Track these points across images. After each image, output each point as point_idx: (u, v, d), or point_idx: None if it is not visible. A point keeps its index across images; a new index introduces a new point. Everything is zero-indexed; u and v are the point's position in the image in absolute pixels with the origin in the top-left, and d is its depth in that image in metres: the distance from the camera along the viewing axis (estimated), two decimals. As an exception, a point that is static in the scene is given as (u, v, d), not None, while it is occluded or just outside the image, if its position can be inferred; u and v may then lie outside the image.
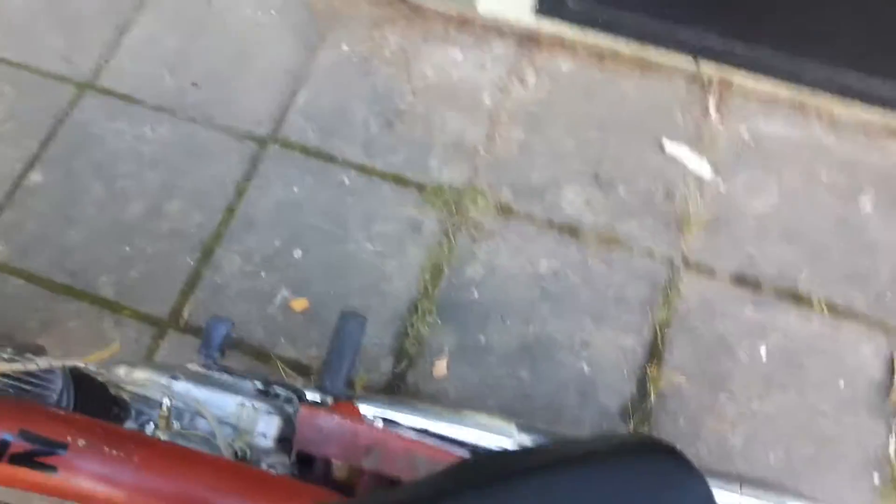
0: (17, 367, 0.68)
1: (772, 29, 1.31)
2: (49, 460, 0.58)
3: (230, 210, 1.41)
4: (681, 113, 1.46)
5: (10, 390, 0.67)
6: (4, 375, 0.67)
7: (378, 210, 1.40)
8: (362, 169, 1.44)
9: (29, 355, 0.73)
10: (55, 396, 0.68)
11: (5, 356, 0.69)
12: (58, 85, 1.54)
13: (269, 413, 0.79)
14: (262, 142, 1.47)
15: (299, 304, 1.33)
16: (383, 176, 1.43)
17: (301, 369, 1.28)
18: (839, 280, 1.30)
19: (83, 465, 0.59)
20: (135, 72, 1.55)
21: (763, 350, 1.25)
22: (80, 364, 0.73)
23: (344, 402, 0.89)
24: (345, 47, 1.56)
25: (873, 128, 1.43)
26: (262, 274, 1.36)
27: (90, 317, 1.34)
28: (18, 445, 0.57)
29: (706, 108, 1.46)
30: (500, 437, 0.85)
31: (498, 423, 0.87)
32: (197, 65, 1.55)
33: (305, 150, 1.47)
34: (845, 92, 1.38)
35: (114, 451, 0.60)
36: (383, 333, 1.29)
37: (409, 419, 0.87)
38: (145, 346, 1.31)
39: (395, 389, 1.27)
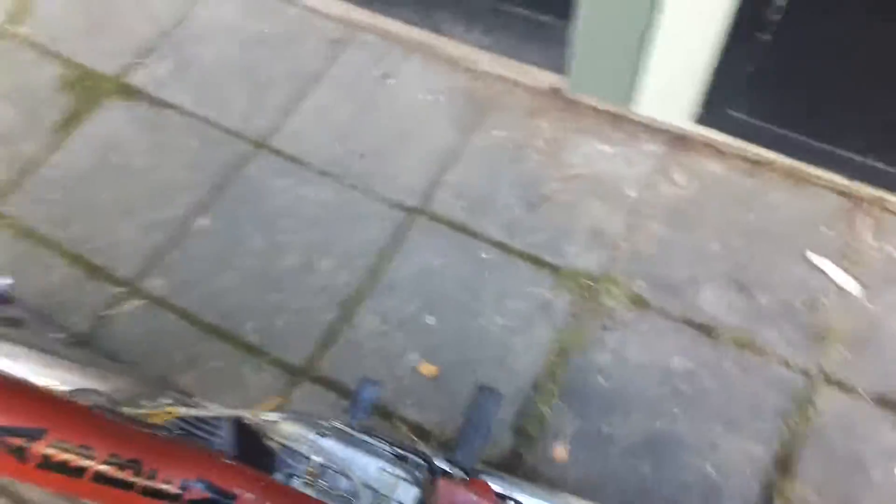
0: (194, 412, 0.78)
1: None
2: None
3: (374, 273, 1.66)
4: (829, 228, 1.59)
5: (181, 433, 0.77)
6: (179, 419, 0.79)
7: (512, 287, 1.60)
8: (502, 246, 1.65)
9: (198, 400, 0.86)
10: (224, 445, 0.78)
11: (170, 401, 0.81)
12: (235, 141, 1.89)
13: (407, 482, 0.89)
14: (411, 213, 1.73)
15: (428, 369, 1.53)
16: (521, 255, 1.64)
17: (422, 434, 1.46)
18: None
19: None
20: (306, 137, 1.87)
21: (904, 478, 1.31)
22: (248, 415, 0.82)
23: (476, 478, 1.03)
24: (498, 133, 1.81)
25: None
26: (397, 335, 1.58)
27: (232, 359, 1.58)
28: (196, 492, 0.62)
29: (856, 225, 1.58)
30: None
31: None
32: (363, 136, 1.85)
33: (451, 224, 1.70)
34: None
35: None
36: (505, 409, 1.46)
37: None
38: (277, 392, 1.55)
39: (512, 467, 1.42)
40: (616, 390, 1.46)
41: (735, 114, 1.59)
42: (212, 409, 0.81)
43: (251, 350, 1.58)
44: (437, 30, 1.93)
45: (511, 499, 1.01)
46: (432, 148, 1.82)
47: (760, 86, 1.50)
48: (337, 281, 1.65)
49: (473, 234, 1.68)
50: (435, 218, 1.72)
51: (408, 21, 1.97)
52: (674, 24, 1.48)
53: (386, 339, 1.57)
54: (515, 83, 1.89)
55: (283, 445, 0.88)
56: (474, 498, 0.86)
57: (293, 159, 1.84)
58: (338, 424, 0.95)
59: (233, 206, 1.78)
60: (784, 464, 1.35)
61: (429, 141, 1.83)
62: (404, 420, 1.47)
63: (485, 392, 1.07)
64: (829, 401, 1.40)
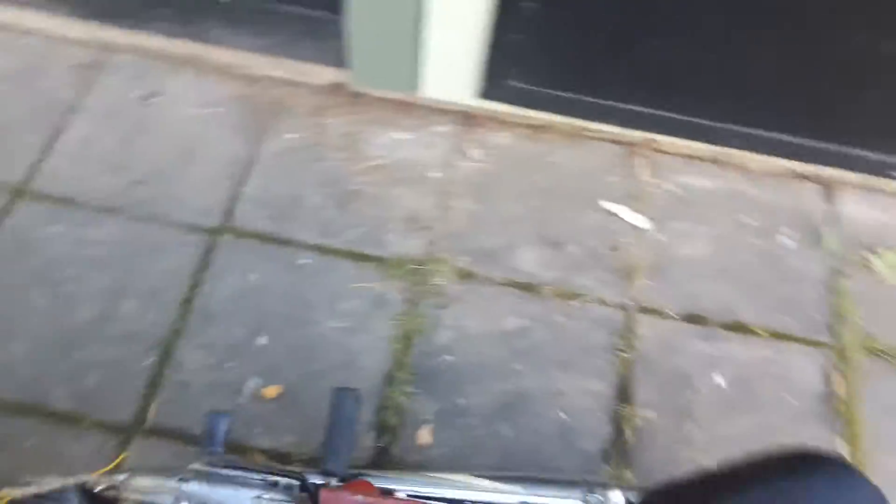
0: (31, 490, 0.77)
1: (690, 98, 1.69)
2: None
3: (186, 304, 1.58)
4: (613, 175, 1.80)
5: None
6: (20, 501, 0.75)
7: (340, 288, 1.62)
8: (319, 249, 1.66)
9: (31, 479, 0.81)
10: None
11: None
12: (-14, 194, 1.69)
13: (287, 503, 0.89)
14: (213, 233, 1.67)
15: (271, 391, 1.50)
16: (341, 254, 1.66)
17: (281, 458, 1.43)
18: (773, 308, 1.63)
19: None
20: (72, 174, 1.72)
21: (719, 378, 1.54)
22: (90, 479, 0.81)
23: (354, 481, 1.06)
24: (290, 136, 1.81)
25: (782, 173, 1.83)
26: (228, 365, 1.52)
27: (46, 433, 1.42)
28: None
29: (635, 168, 1.81)
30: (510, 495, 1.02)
31: (501, 485, 1.05)
32: (138, 163, 1.74)
33: (259, 237, 1.67)
34: (755, 145, 1.77)
35: None
36: (363, 408, 1.48)
37: (420, 491, 1.05)
38: (108, 457, 1.42)
39: (381, 464, 1.45)
40: (463, 363, 1.54)
41: (514, 83, 1.74)
42: (48, 484, 0.77)
43: (66, 418, 1.43)
44: (202, 39, 1.88)
45: (395, 491, 1.04)
46: (221, 162, 1.77)
47: (532, 53, 1.66)
48: (145, 322, 1.55)
49: (286, 243, 1.67)
50: (240, 234, 1.67)
51: (168, 34, 1.88)
52: (444, 4, 1.58)
53: (218, 370, 1.51)
54: (297, 83, 1.89)
55: (145, 502, 0.85)
56: (359, 498, 0.88)
57: (63, 201, 1.68)
58: (197, 466, 0.92)
59: (0, 266, 1.60)
60: (623, 393, 1.52)
61: (215, 156, 1.78)
62: (259, 450, 1.43)
63: (341, 393, 1.10)
64: (646, 327, 1.60)
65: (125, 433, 1.43)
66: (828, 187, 1.82)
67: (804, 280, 1.68)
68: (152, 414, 1.45)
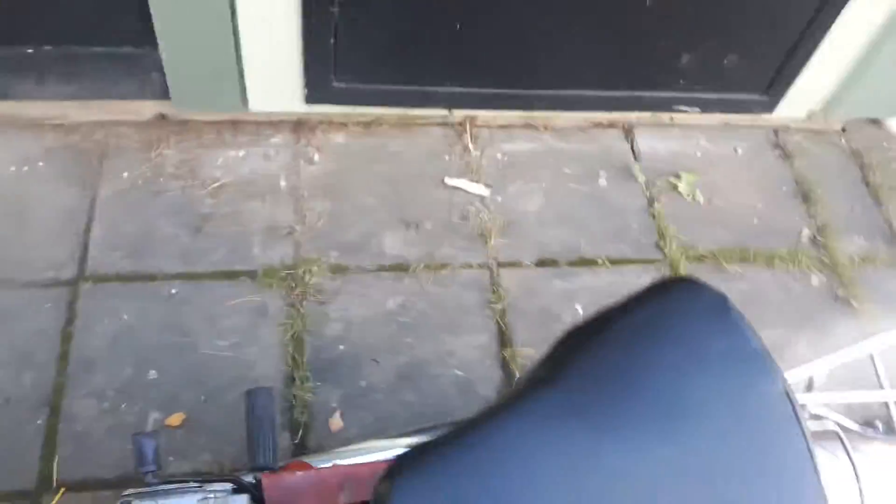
0: None
1: (496, 73, 1.95)
2: None
3: (63, 359, 1.58)
4: (448, 154, 2.02)
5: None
6: None
7: (218, 308, 1.69)
8: (186, 276, 1.72)
9: None
10: None
11: None
12: None
13: (228, 493, 0.94)
14: (71, 284, 1.67)
15: (175, 419, 1.55)
16: (211, 276, 1.73)
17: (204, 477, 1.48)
18: (608, 240, 1.93)
19: None
20: None
21: (579, 307, 1.81)
22: None
23: (290, 463, 1.16)
24: (125, 174, 1.84)
25: (587, 126, 2.15)
26: (124, 406, 1.55)
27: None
28: None
29: (464, 144, 2.05)
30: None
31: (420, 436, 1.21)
32: (-31, 230, 1.70)
33: (120, 278, 1.70)
34: (560, 105, 2.08)
35: None
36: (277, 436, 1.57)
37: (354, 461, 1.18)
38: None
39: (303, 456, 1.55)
40: (356, 349, 1.67)
41: (338, 84, 1.90)
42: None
43: (-40, 502, 1.40)
44: (7, 96, 1.86)
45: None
46: (58, 214, 1.77)
47: (348, 53, 1.83)
48: (24, 387, 1.53)
49: (150, 278, 1.71)
50: (99, 279, 1.69)
51: (-32, 96, 1.84)
52: (253, 20, 1.71)
53: (114, 414, 1.53)
54: (119, 123, 1.92)
55: None
56: (299, 473, 1.00)
57: None
58: (132, 490, 0.95)
59: None
60: (503, 339, 1.74)
61: (50, 209, 1.77)
62: (178, 476, 1.47)
63: (253, 393, 1.21)
64: (509, 279, 1.83)
65: (31, 498, 1.42)
66: (628, 130, 2.17)
67: (626, 211, 2.00)
68: (56, 472, 1.45)
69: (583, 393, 0.63)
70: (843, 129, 2.29)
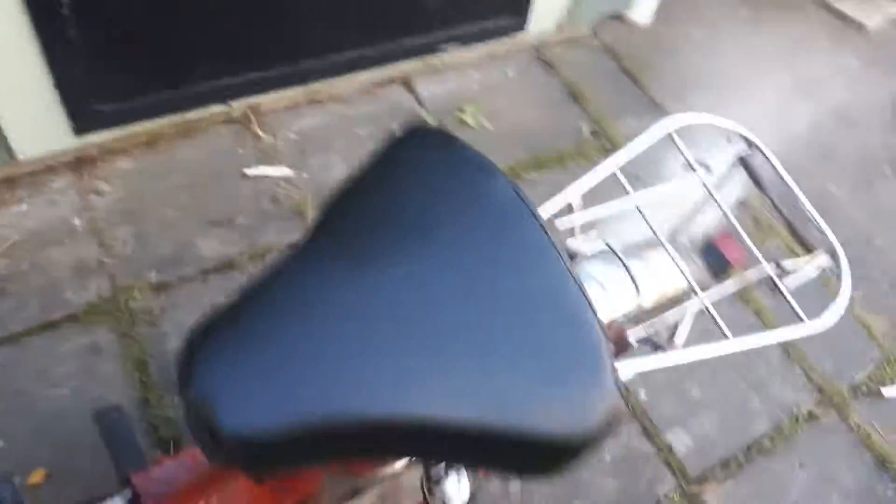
0: None
1: (262, 56, 1.98)
2: None
3: None
4: (242, 146, 2.02)
5: None
6: None
7: (44, 361, 1.59)
8: (4, 341, 1.61)
9: None
10: None
11: None
12: None
13: None
14: None
15: (36, 476, 1.46)
16: (28, 334, 1.63)
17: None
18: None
19: None
20: None
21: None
22: None
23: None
24: None
25: (366, 88, 2.23)
26: (-30, 491, 1.43)
27: None
28: None
29: (254, 132, 2.05)
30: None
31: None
32: None
33: (-74, 366, 1.57)
34: (330, 73, 2.13)
35: None
36: (139, 441, 1.51)
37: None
38: None
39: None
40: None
41: (101, 108, 1.84)
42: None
43: None
44: None
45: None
46: None
47: (98, 73, 1.77)
48: None
49: (-38, 355, 1.59)
50: None
51: None
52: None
53: (-38, 500, 1.41)
54: None
55: None
56: (166, 462, 1.05)
57: None
58: None
59: None
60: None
61: None
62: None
63: (100, 414, 1.19)
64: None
65: None
66: (407, 82, 2.26)
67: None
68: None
69: (345, 239, 0.70)
70: (594, 32, 2.52)
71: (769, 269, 0.98)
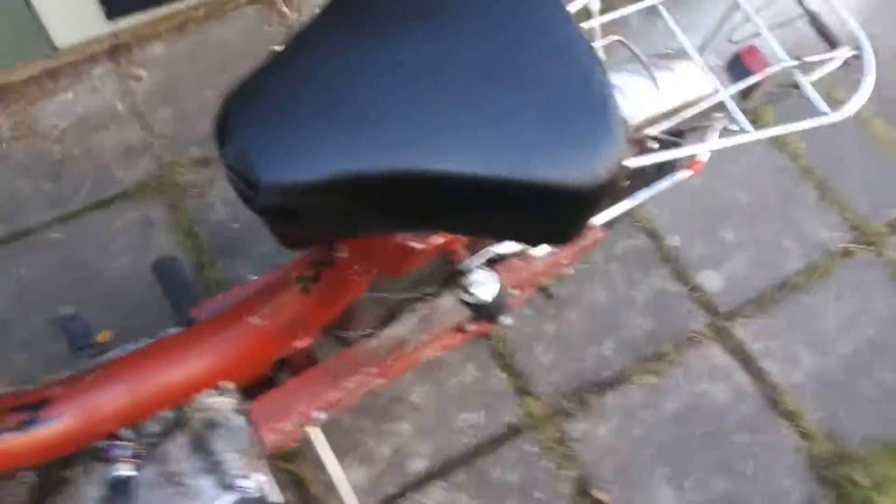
0: None
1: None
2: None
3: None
4: (268, 25, 2.05)
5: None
6: None
7: (105, 235, 1.72)
8: (63, 219, 1.74)
9: None
10: None
11: None
12: None
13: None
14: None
15: (104, 335, 1.59)
16: (85, 211, 1.75)
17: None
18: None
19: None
20: None
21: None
22: None
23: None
24: (-43, 151, 1.82)
25: None
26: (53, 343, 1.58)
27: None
28: None
29: (280, 11, 2.08)
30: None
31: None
32: None
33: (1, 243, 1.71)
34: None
35: None
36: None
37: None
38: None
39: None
40: (249, 221, 1.73)
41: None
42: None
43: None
44: None
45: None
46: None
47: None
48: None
49: (27, 233, 1.72)
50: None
51: None
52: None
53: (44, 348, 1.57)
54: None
55: None
56: (221, 298, 1.15)
57: None
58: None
59: None
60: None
61: None
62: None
63: (158, 264, 1.29)
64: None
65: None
66: None
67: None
68: None
69: (361, 8, 0.74)
70: None
71: (791, 63, 0.99)
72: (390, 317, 1.31)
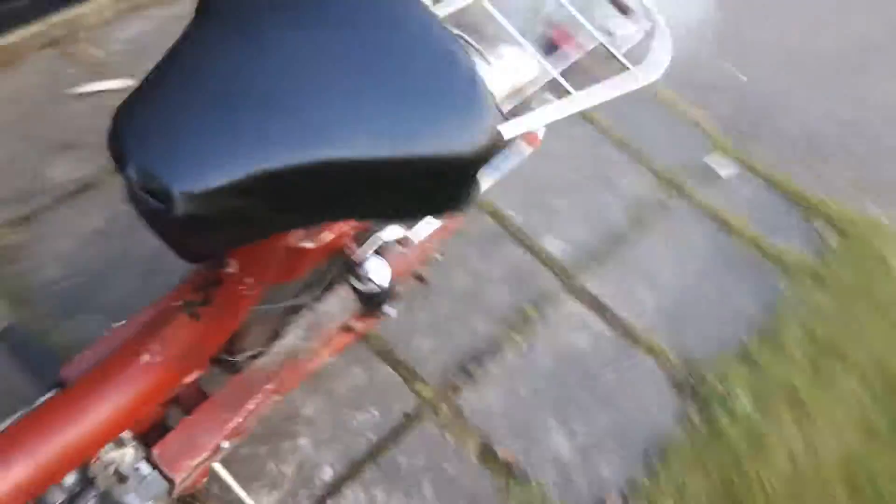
0: None
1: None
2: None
3: None
4: (69, 68, 1.94)
5: None
6: None
7: None
8: None
9: None
10: None
11: None
12: None
13: None
14: None
15: None
16: None
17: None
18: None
19: None
20: None
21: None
22: None
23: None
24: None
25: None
26: None
27: None
28: None
29: (83, 50, 1.97)
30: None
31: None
32: None
33: None
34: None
35: None
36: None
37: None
38: None
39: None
40: (82, 277, 1.64)
41: None
42: None
43: None
44: None
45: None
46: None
47: None
48: None
49: None
50: None
51: None
52: None
53: None
54: None
55: None
56: (88, 351, 1.08)
57: None
58: None
59: None
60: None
61: None
62: None
63: (3, 336, 1.20)
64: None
65: None
66: None
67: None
68: None
69: (236, 12, 0.76)
70: None
71: (598, 35, 1.11)
72: (275, 332, 1.31)
